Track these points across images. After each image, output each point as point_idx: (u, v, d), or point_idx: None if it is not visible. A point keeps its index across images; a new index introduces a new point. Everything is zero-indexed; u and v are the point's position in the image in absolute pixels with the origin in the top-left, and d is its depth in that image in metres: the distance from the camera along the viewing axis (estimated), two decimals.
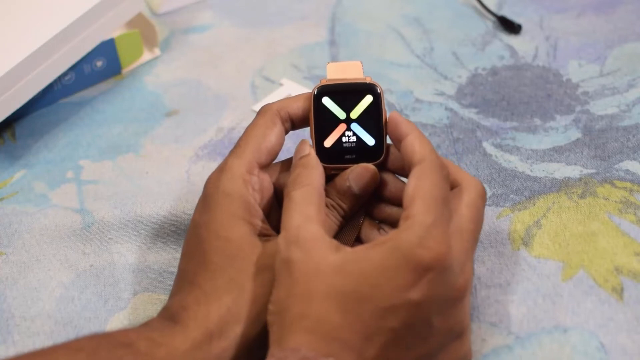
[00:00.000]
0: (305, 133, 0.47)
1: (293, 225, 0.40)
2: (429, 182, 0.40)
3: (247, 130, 0.46)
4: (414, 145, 0.42)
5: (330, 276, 0.38)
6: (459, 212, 0.41)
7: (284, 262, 0.39)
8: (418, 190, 0.40)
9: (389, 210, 0.46)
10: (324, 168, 0.45)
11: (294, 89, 0.65)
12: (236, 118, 0.62)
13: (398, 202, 0.46)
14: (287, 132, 0.46)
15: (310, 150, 0.44)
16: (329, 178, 0.45)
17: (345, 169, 0.45)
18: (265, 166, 0.45)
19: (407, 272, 0.37)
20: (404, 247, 0.38)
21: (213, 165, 0.46)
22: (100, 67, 0.65)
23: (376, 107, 0.45)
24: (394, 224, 0.46)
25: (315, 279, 0.38)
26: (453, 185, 0.43)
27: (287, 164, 0.47)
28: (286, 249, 0.39)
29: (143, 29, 0.68)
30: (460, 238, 0.40)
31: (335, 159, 0.45)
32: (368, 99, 0.45)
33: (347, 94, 0.45)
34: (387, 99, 0.63)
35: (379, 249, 0.38)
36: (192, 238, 0.44)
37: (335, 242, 0.40)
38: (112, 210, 0.54)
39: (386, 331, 0.37)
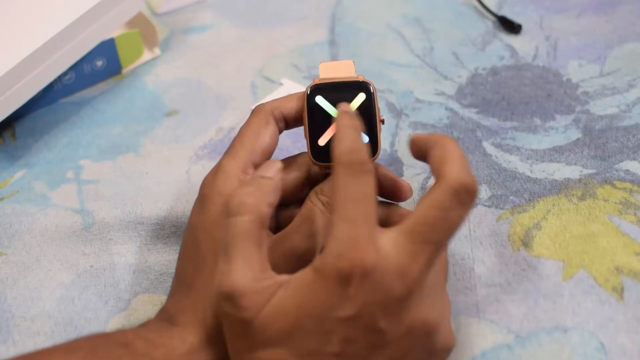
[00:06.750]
0: (299, 132, 0.47)
1: (227, 280, 0.37)
2: (343, 184, 0.38)
3: (241, 130, 0.46)
4: None
5: (272, 324, 0.37)
6: (416, 211, 0.38)
7: (225, 316, 0.38)
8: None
9: (384, 207, 0.46)
10: (319, 167, 0.45)
11: (294, 88, 0.64)
12: (236, 118, 0.62)
13: (393, 200, 0.46)
14: (280, 131, 0.46)
15: (274, 174, 0.41)
16: (324, 177, 0.45)
17: None
18: (259, 166, 0.45)
19: (333, 290, 0.36)
20: (324, 265, 0.36)
21: (213, 165, 0.46)
22: (100, 67, 0.65)
23: (369, 104, 0.45)
24: (388, 221, 0.46)
25: (260, 331, 0.37)
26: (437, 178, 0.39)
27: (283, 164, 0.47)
28: (227, 305, 0.38)
29: (143, 28, 0.68)
30: (404, 239, 0.37)
31: (329, 157, 0.45)
32: (361, 97, 0.45)
33: (340, 92, 0.45)
34: (387, 98, 0.63)
35: (307, 274, 0.37)
36: (188, 240, 0.44)
37: (274, 280, 0.38)
38: (112, 211, 0.54)
39: (333, 354, 0.37)
